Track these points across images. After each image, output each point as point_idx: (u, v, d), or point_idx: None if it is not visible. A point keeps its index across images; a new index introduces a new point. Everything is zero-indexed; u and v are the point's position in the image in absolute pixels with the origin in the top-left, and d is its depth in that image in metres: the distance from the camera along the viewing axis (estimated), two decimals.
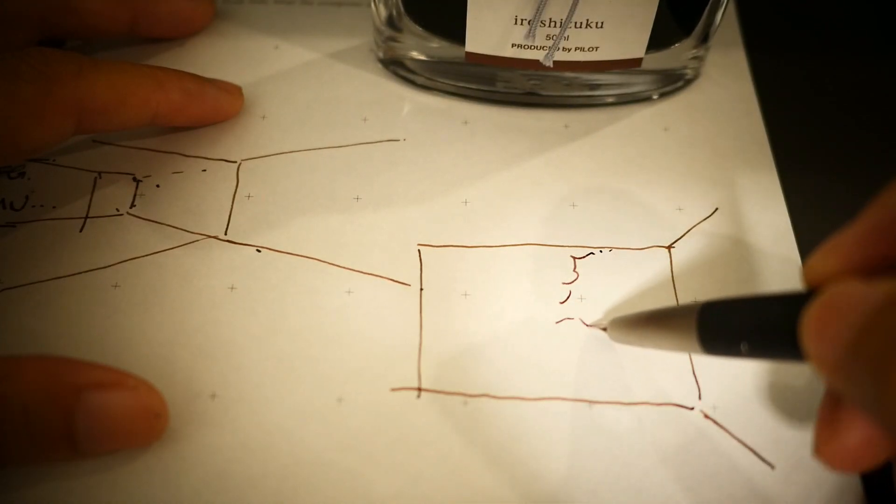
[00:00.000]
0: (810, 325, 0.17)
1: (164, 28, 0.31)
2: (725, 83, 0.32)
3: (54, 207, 0.27)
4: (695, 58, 0.30)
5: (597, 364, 0.24)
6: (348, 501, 0.21)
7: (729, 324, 0.19)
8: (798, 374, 0.23)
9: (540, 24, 0.27)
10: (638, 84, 0.30)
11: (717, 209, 0.27)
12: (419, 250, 0.26)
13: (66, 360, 0.20)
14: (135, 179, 0.28)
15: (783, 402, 0.23)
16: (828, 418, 0.18)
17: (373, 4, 0.29)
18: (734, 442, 0.22)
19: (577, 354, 0.24)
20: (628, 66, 0.29)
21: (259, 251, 0.26)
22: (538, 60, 0.28)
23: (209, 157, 0.28)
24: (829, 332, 0.16)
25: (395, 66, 0.31)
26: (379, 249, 0.26)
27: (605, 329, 0.24)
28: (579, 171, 0.28)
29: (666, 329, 0.21)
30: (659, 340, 0.21)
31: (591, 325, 0.25)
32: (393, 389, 0.23)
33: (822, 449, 0.18)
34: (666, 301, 0.25)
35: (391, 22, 0.29)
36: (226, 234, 0.26)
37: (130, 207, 0.27)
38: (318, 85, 0.31)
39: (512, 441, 0.22)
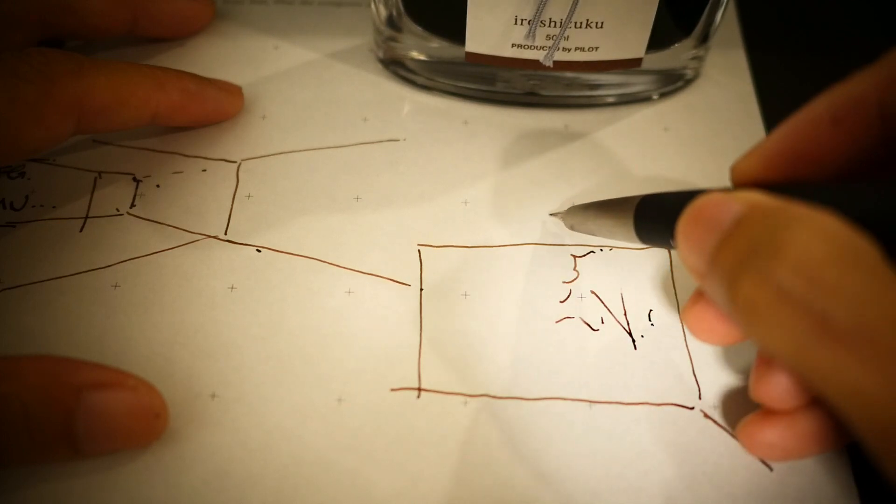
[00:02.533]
0: (680, 233, 0.18)
1: (164, 28, 0.31)
2: (725, 83, 0.32)
3: (54, 207, 0.27)
4: (695, 58, 0.30)
5: (597, 364, 0.24)
6: (348, 501, 0.21)
7: (659, 216, 0.20)
8: None
9: (540, 24, 0.27)
10: (638, 84, 0.30)
11: None
12: (419, 250, 0.26)
13: (66, 360, 0.20)
14: (135, 179, 0.28)
15: None
16: (699, 291, 0.20)
17: (373, 4, 0.29)
18: (734, 442, 0.22)
19: (577, 354, 0.24)
20: (628, 66, 0.29)
21: (259, 251, 0.26)
22: (538, 60, 0.28)
23: (209, 157, 0.28)
24: (695, 241, 0.18)
25: (395, 66, 0.31)
26: (379, 249, 0.26)
27: (562, 216, 0.26)
28: (579, 171, 0.28)
29: (610, 218, 0.22)
30: (604, 229, 0.23)
31: (551, 214, 0.26)
32: (393, 389, 0.23)
33: (686, 315, 0.21)
34: (665, 300, 0.25)
35: (391, 22, 0.29)
36: (226, 234, 0.26)
37: (130, 207, 0.27)
38: (318, 85, 0.31)
39: (512, 441, 0.22)
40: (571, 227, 0.25)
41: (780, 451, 0.20)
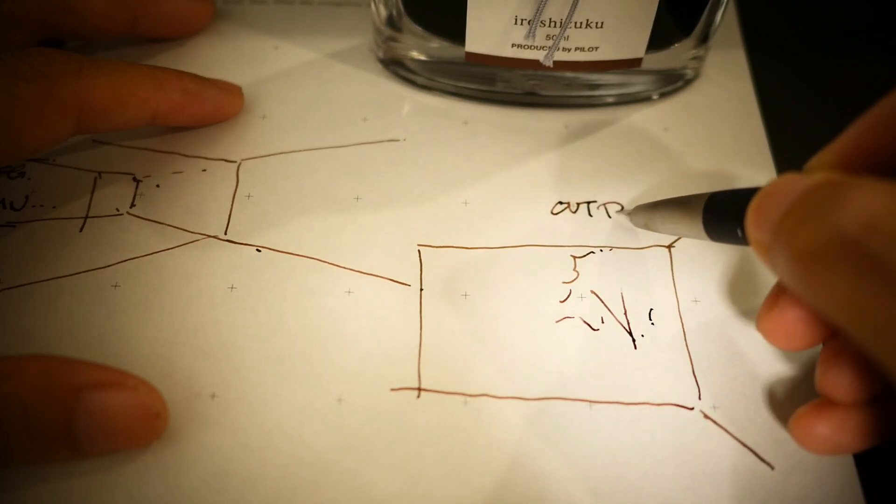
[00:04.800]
0: (751, 212, 0.19)
1: (164, 28, 0.31)
2: (725, 83, 0.32)
3: (54, 207, 0.27)
4: (695, 58, 0.30)
5: (597, 364, 0.24)
6: (348, 501, 0.21)
7: (729, 211, 0.20)
8: (798, 373, 0.23)
9: (540, 24, 0.27)
10: (638, 84, 0.30)
11: None
12: (419, 250, 0.26)
13: (66, 360, 0.20)
14: (135, 179, 0.28)
15: (783, 403, 0.23)
16: (772, 298, 0.21)
17: (373, 4, 0.29)
18: (734, 442, 0.22)
19: (577, 354, 0.24)
20: (628, 66, 0.29)
21: (259, 251, 0.26)
22: (538, 60, 0.28)
23: (209, 157, 0.28)
24: (763, 216, 0.18)
25: (395, 66, 0.31)
26: (379, 249, 0.26)
27: (629, 214, 0.26)
28: (579, 171, 0.28)
29: (678, 215, 0.23)
30: (671, 226, 0.24)
31: (618, 213, 0.27)
32: (393, 389, 0.23)
33: (762, 321, 0.21)
34: (665, 300, 0.25)
35: (391, 22, 0.29)
36: (226, 233, 0.26)
37: (130, 207, 0.27)
38: (318, 85, 0.31)
39: (512, 441, 0.22)
40: (636, 225, 0.26)
41: (832, 445, 0.20)
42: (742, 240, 0.20)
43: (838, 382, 0.20)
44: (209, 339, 0.24)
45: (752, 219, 0.19)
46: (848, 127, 0.19)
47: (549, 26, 0.27)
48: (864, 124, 0.19)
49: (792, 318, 0.20)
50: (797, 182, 0.18)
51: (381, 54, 0.31)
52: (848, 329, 0.16)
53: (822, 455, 0.22)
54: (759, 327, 0.21)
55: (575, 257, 0.26)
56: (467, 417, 0.22)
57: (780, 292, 0.21)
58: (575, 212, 0.27)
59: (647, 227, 0.26)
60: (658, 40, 0.28)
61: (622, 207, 0.27)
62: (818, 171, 0.18)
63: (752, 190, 0.19)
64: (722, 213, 0.21)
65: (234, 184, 0.28)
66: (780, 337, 0.21)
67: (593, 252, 0.26)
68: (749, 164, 0.29)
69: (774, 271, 0.18)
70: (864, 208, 0.15)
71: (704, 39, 0.29)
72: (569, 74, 0.29)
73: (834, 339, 0.21)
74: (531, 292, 0.25)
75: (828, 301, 0.16)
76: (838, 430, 0.20)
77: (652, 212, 0.25)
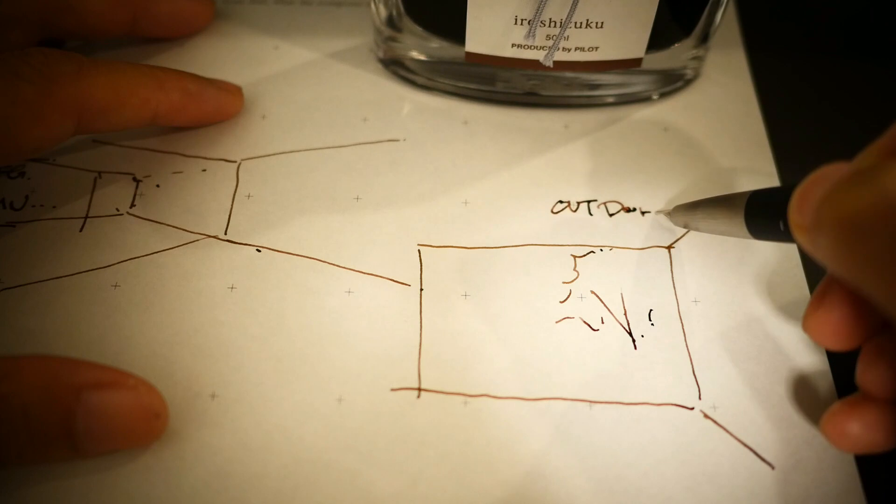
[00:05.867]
0: (795, 198, 0.19)
1: (164, 28, 0.31)
2: (725, 83, 0.32)
3: (54, 207, 0.27)
4: (695, 58, 0.30)
5: (597, 364, 0.24)
6: (348, 501, 0.21)
7: (771, 206, 0.21)
8: (798, 373, 0.23)
9: (540, 24, 0.27)
10: (638, 84, 0.30)
11: None
12: (419, 250, 0.26)
13: (66, 360, 0.20)
14: (135, 179, 0.28)
15: (783, 402, 0.23)
16: (819, 296, 0.21)
17: (373, 4, 0.29)
18: (734, 442, 0.22)
19: (577, 354, 0.24)
20: (628, 66, 0.29)
21: (259, 251, 0.26)
22: (538, 60, 0.28)
23: (209, 157, 0.28)
24: (807, 201, 0.18)
25: (395, 66, 0.31)
26: (379, 249, 0.26)
27: (668, 214, 0.26)
28: (579, 171, 0.28)
29: (719, 214, 0.23)
30: (712, 225, 0.24)
31: (656, 213, 0.27)
32: (393, 389, 0.23)
33: (808, 321, 0.21)
34: (665, 300, 0.25)
35: (391, 22, 0.29)
36: (226, 233, 0.26)
37: (130, 207, 0.27)
38: (318, 85, 0.31)
39: (512, 441, 0.22)
40: (676, 224, 0.26)
41: (865, 444, 0.20)
42: (785, 234, 0.20)
43: (878, 377, 0.20)
44: (209, 339, 0.24)
45: (796, 204, 0.19)
46: (893, 124, 0.19)
47: (549, 26, 0.27)
48: None
49: (838, 317, 0.20)
50: (843, 166, 0.18)
51: (381, 54, 0.31)
52: (891, 303, 0.16)
53: (854, 453, 0.21)
54: (806, 327, 0.21)
55: (575, 257, 0.26)
56: (467, 418, 0.22)
57: (825, 291, 0.21)
58: (575, 211, 0.27)
59: (686, 226, 0.26)
60: (658, 40, 0.28)
61: (623, 209, 0.27)
62: (865, 156, 0.19)
63: (794, 186, 0.20)
64: (764, 209, 0.21)
65: (234, 184, 0.28)
66: (826, 336, 0.21)
67: (593, 252, 0.26)
68: (749, 164, 0.29)
69: (816, 255, 0.18)
70: None
71: (704, 39, 0.29)
72: (569, 74, 0.29)
73: (878, 336, 0.21)
74: (531, 292, 0.25)
75: (870, 272, 0.16)
76: (871, 428, 0.20)
77: (693, 211, 0.25)
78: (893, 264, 0.16)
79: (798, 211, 0.19)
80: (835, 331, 0.21)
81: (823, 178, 0.18)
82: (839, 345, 0.21)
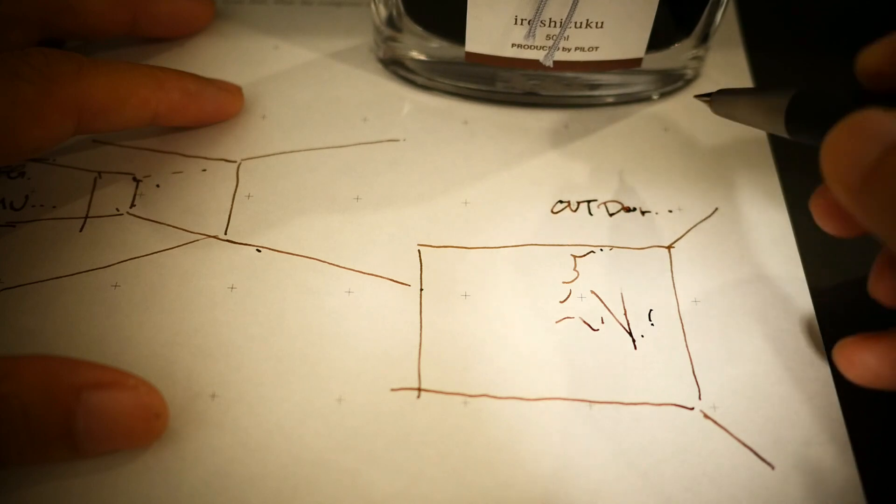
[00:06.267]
0: (830, 149, 0.18)
1: (164, 28, 0.31)
2: (725, 83, 0.32)
3: (54, 207, 0.27)
4: (695, 58, 0.30)
5: (597, 364, 0.24)
6: (348, 501, 0.21)
7: (813, 113, 0.20)
8: (798, 373, 0.23)
9: (540, 24, 0.27)
10: (638, 84, 0.30)
11: (717, 209, 0.27)
12: (419, 250, 0.26)
13: (66, 360, 0.20)
14: (135, 179, 0.28)
15: (783, 402, 0.23)
16: (883, 263, 0.21)
17: (373, 4, 0.29)
18: (734, 442, 0.22)
19: (577, 354, 0.24)
20: (628, 66, 0.29)
21: (259, 251, 0.26)
22: (538, 60, 0.28)
23: (209, 157, 0.28)
24: (848, 158, 0.17)
25: (395, 66, 0.31)
26: (379, 249, 0.26)
27: (708, 99, 0.26)
28: (579, 171, 0.28)
29: (761, 106, 0.23)
30: (752, 117, 0.24)
31: (695, 96, 0.26)
32: (393, 389, 0.23)
33: (873, 287, 0.22)
34: (665, 300, 0.25)
35: (391, 22, 0.29)
36: (226, 233, 0.26)
37: (130, 207, 0.27)
38: (318, 85, 0.31)
39: (512, 441, 0.22)
40: (715, 111, 0.26)
41: (874, 375, 0.21)
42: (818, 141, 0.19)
43: (890, 287, 0.20)
44: (209, 339, 0.24)
45: (834, 154, 0.17)
46: None
47: (549, 26, 0.27)
48: None
49: None
50: (884, 123, 0.17)
51: (381, 54, 0.31)
52: None
53: (862, 384, 0.22)
54: (873, 293, 0.22)
55: (575, 257, 0.26)
56: (467, 418, 0.22)
57: (886, 259, 0.21)
58: (575, 210, 0.27)
59: (728, 115, 0.25)
60: (658, 40, 0.28)
61: (623, 209, 0.27)
62: None
63: (841, 95, 0.19)
64: (807, 114, 0.21)
65: (234, 184, 0.28)
66: (891, 298, 0.21)
67: (593, 251, 0.26)
68: (749, 164, 0.29)
69: (862, 216, 0.18)
70: None
71: (704, 39, 0.29)
72: (569, 74, 0.29)
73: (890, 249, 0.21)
74: (531, 292, 0.25)
75: None
76: (882, 360, 0.20)
77: (735, 100, 0.24)
78: None
79: (834, 164, 0.17)
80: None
81: (863, 132, 0.17)
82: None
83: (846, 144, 0.17)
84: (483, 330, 0.24)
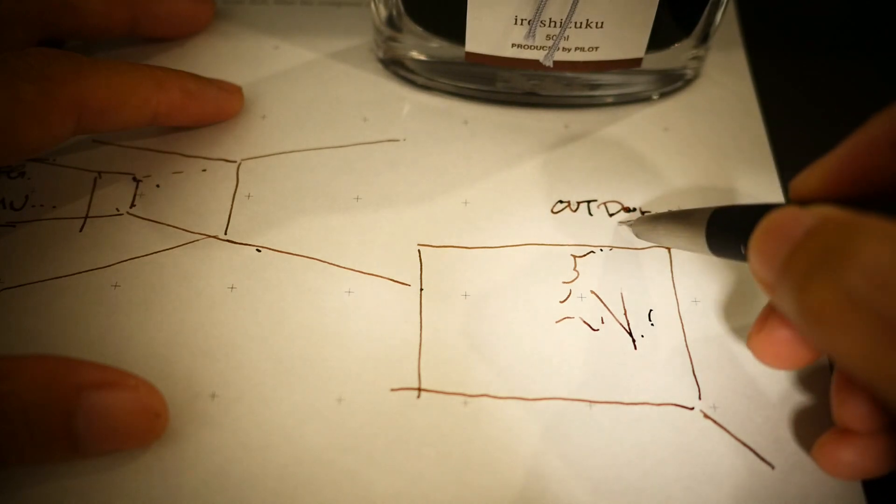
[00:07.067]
0: (753, 247, 0.18)
1: (164, 28, 0.31)
2: (725, 83, 0.32)
3: (54, 207, 0.27)
4: (695, 58, 0.30)
5: (597, 364, 0.24)
6: (348, 501, 0.21)
7: (732, 229, 0.20)
8: (798, 373, 0.23)
9: (540, 24, 0.27)
10: (638, 84, 0.30)
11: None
12: (419, 250, 0.26)
13: (66, 360, 0.20)
14: (135, 179, 0.28)
15: (783, 402, 0.23)
16: (762, 318, 0.21)
17: (373, 4, 0.29)
18: (734, 442, 0.22)
19: (577, 354, 0.24)
20: (628, 66, 0.29)
21: (259, 251, 0.26)
22: (538, 60, 0.28)
23: (209, 157, 0.28)
24: (767, 253, 0.18)
25: (395, 66, 0.31)
26: (379, 249, 0.26)
27: (630, 226, 0.26)
28: (579, 171, 0.28)
29: (681, 229, 0.23)
30: (674, 240, 0.24)
31: (620, 224, 0.27)
32: (393, 389, 0.23)
33: (752, 341, 0.21)
34: (665, 300, 0.25)
35: (391, 22, 0.29)
36: (226, 233, 0.26)
37: (130, 207, 0.27)
38: (318, 85, 0.31)
39: (512, 441, 0.22)
40: (638, 236, 0.26)
41: (859, 471, 0.20)
42: (745, 257, 0.19)
43: (855, 413, 0.20)
44: (209, 339, 0.24)
45: (755, 253, 0.18)
46: (835, 147, 0.19)
47: (549, 26, 0.27)
48: (851, 147, 0.19)
49: (782, 338, 0.20)
50: (800, 218, 0.17)
51: (381, 54, 0.31)
52: (860, 376, 0.16)
53: (850, 481, 0.21)
54: (750, 346, 0.21)
55: (575, 257, 0.26)
56: (467, 418, 0.22)
57: (770, 312, 0.21)
58: (575, 210, 0.27)
59: (648, 239, 0.26)
60: (658, 40, 0.28)
61: (623, 209, 0.27)
62: (818, 204, 0.18)
63: (755, 207, 0.19)
64: (725, 230, 0.21)
65: (234, 184, 0.28)
66: (770, 356, 0.21)
67: (593, 251, 0.26)
68: (749, 164, 0.29)
69: (778, 307, 0.18)
70: (873, 263, 0.15)
71: (704, 39, 0.29)
72: (569, 74, 0.29)
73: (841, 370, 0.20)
74: (531, 292, 0.25)
75: (838, 349, 0.16)
76: (863, 455, 0.20)
77: (654, 224, 0.25)
78: (863, 354, 0.15)
79: (758, 262, 0.18)
80: (778, 352, 0.21)
81: (779, 230, 0.18)
82: (783, 365, 0.21)
83: (762, 246, 0.18)
84: (483, 330, 0.24)
